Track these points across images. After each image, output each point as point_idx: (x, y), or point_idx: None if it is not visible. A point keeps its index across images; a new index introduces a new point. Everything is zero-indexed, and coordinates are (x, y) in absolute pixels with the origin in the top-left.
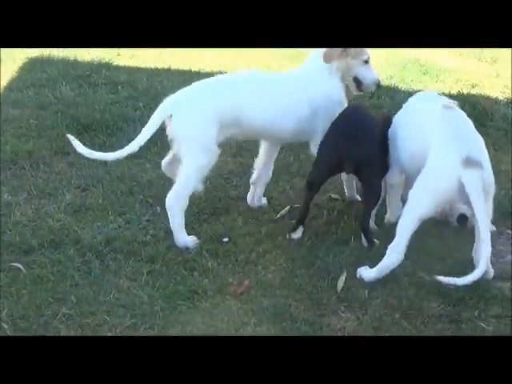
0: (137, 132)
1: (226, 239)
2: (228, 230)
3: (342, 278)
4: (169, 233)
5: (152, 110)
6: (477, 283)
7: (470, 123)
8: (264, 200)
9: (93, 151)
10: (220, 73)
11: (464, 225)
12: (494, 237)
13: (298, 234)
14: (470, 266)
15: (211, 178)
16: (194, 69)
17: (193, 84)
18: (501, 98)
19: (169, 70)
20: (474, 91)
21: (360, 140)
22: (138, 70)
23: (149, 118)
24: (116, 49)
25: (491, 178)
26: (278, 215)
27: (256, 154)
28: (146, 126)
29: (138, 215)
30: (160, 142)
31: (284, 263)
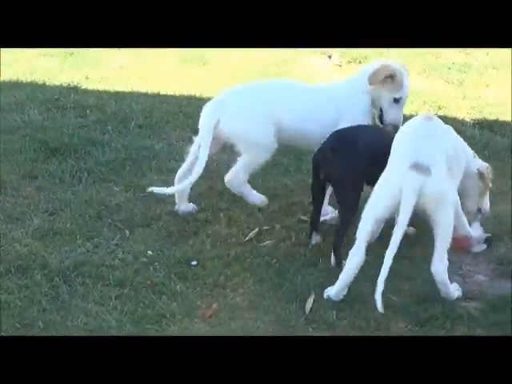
0: (105, 156)
1: (194, 262)
2: (196, 253)
3: (310, 300)
4: (137, 256)
5: (121, 133)
6: (443, 303)
7: (443, 133)
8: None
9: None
10: (190, 97)
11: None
12: (461, 257)
13: (315, 239)
14: (437, 288)
15: None
16: (163, 92)
17: (230, 89)
18: (467, 119)
19: (137, 93)
20: (441, 113)
21: (338, 153)
22: (106, 93)
23: (117, 141)
24: (84, 72)
25: (441, 187)
26: (247, 238)
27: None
28: (200, 136)
29: (106, 239)
30: (128, 166)
31: (252, 286)
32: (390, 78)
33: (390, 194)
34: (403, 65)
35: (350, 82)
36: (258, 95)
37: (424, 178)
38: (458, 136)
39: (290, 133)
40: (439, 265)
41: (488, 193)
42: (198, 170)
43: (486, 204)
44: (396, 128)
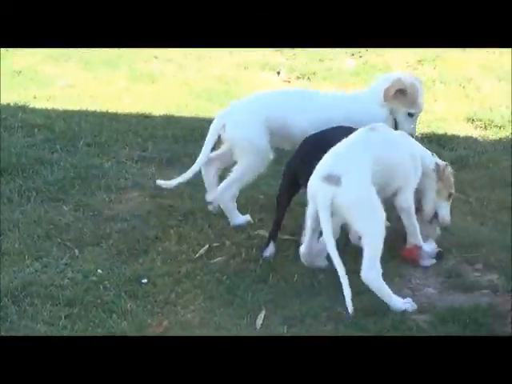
0: (54, 175)
1: (144, 280)
2: (147, 271)
3: (261, 316)
4: (87, 275)
5: (69, 152)
6: (393, 316)
7: (380, 143)
8: None
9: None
10: (139, 115)
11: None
12: (411, 270)
13: (269, 251)
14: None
15: (128, 218)
16: (112, 110)
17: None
18: (416, 133)
19: (86, 111)
20: None
21: (315, 156)
22: (54, 112)
23: (66, 160)
24: (32, 91)
25: (354, 196)
26: (197, 255)
27: (176, 195)
28: (206, 139)
29: (55, 259)
30: (77, 184)
31: (203, 302)
32: (401, 92)
33: (311, 205)
34: (417, 78)
35: (367, 93)
36: (266, 103)
37: (334, 188)
38: (413, 142)
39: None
40: (368, 273)
41: (448, 200)
42: (195, 167)
43: (446, 210)
44: None
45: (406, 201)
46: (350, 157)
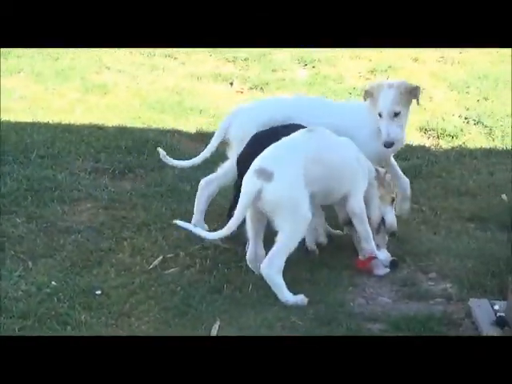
0: (7, 187)
1: (98, 292)
2: (101, 283)
3: (216, 327)
4: (41, 287)
5: (22, 164)
6: (348, 325)
7: (318, 145)
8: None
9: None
10: (91, 126)
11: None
12: (364, 279)
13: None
14: (341, 311)
15: (81, 230)
16: (65, 122)
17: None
18: None
19: (39, 123)
20: None
21: (260, 153)
22: (7, 124)
23: (19, 172)
24: None
25: (281, 193)
26: (151, 266)
27: (129, 206)
28: (214, 136)
29: (8, 271)
30: (30, 196)
31: (157, 314)
32: (369, 94)
33: (244, 197)
34: (388, 81)
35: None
36: (272, 107)
37: (263, 182)
38: (354, 149)
39: None
40: (266, 269)
41: (392, 205)
42: (197, 159)
43: (392, 215)
44: (386, 144)
45: (357, 205)
46: (285, 155)
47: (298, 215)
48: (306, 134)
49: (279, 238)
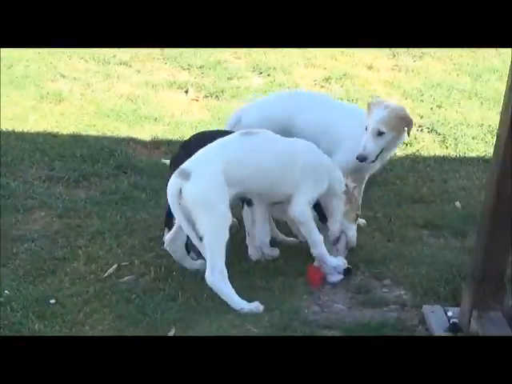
0: None
1: (52, 301)
2: (55, 292)
3: (171, 334)
4: None
5: None
6: (303, 332)
7: (250, 147)
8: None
9: None
10: (46, 134)
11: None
12: (319, 287)
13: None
14: (296, 318)
15: (35, 239)
16: (18, 130)
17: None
18: None
19: None
20: None
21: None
22: None
23: None
24: None
25: (197, 192)
26: (106, 274)
27: (84, 214)
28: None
29: None
30: None
31: (112, 322)
32: (368, 108)
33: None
34: (388, 102)
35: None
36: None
37: (182, 182)
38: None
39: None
40: (210, 278)
41: (355, 220)
42: None
43: (353, 232)
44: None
45: (298, 210)
46: (205, 156)
47: (216, 215)
48: (235, 136)
49: (204, 241)
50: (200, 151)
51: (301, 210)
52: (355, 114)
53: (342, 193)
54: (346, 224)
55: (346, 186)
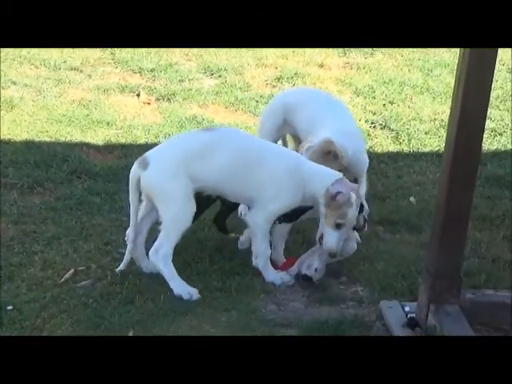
0: None
1: (10, 307)
2: (12, 298)
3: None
4: None
5: None
6: (262, 332)
7: (208, 143)
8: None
9: None
10: None
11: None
12: (276, 286)
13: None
14: (253, 317)
15: None
16: None
17: None
18: None
19: None
20: None
21: None
22: None
23: None
24: None
25: (152, 181)
26: (62, 279)
27: (39, 220)
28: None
29: None
30: None
31: (70, 327)
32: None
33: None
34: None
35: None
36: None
37: (141, 170)
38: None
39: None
40: (154, 255)
41: (335, 229)
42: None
43: (330, 237)
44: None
45: (254, 218)
46: (166, 148)
47: (172, 203)
48: (197, 131)
49: (162, 226)
50: (163, 143)
51: (254, 222)
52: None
53: (321, 196)
54: (325, 227)
55: (327, 190)
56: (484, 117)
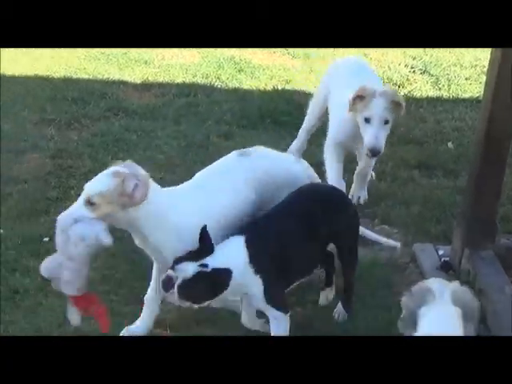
0: None
1: (46, 239)
2: (48, 230)
3: None
4: None
5: None
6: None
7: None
8: None
9: None
10: (36, 78)
11: None
12: None
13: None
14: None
15: (28, 180)
16: (9, 73)
17: None
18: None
19: None
20: (288, 87)
21: None
22: None
23: None
24: None
25: None
26: None
27: (76, 155)
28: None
29: None
30: None
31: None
32: (359, 98)
33: None
34: (383, 87)
35: None
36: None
37: None
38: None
39: None
40: None
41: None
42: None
43: None
44: (373, 151)
45: None
46: None
47: None
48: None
49: None
50: None
51: None
52: None
53: None
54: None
55: None
56: None
